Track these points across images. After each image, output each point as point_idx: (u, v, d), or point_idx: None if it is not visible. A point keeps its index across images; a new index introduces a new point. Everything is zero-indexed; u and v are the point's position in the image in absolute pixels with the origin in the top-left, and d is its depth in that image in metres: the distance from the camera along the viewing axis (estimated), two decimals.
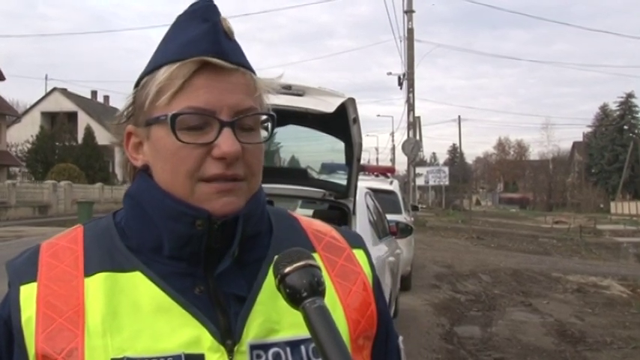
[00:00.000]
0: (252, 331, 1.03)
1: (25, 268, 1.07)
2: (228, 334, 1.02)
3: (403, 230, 8.40)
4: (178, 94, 1.02)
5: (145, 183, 1.08)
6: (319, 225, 1.21)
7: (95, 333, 1.00)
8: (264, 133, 1.10)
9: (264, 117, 1.09)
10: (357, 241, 1.20)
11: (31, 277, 1.05)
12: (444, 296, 12.20)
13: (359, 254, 1.18)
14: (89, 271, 1.05)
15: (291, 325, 1.03)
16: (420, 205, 36.74)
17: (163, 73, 1.03)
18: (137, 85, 1.09)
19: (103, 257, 1.06)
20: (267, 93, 1.11)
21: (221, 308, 1.04)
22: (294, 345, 1.03)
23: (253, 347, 1.02)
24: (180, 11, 1.10)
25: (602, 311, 11.14)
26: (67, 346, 0.99)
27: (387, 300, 6.62)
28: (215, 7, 1.07)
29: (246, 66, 1.08)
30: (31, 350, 1.00)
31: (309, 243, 1.14)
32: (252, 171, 1.06)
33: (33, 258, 1.08)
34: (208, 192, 1.03)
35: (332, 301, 1.06)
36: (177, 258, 1.06)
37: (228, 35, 1.06)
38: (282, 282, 0.95)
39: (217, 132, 1.02)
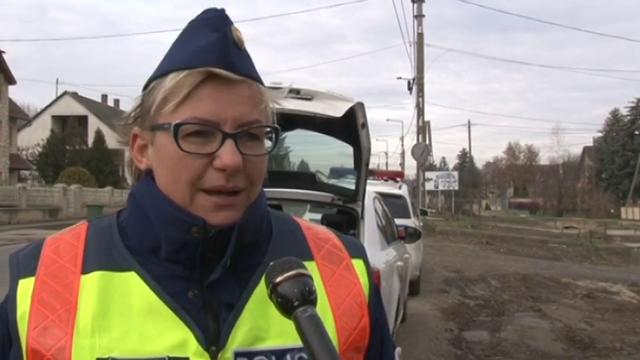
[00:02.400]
0: (238, 339, 1.03)
1: (27, 262, 1.09)
2: (214, 339, 1.03)
3: (412, 235, 8.39)
4: (183, 103, 1.03)
5: (147, 186, 1.10)
6: (322, 232, 1.21)
7: (84, 332, 1.01)
8: (268, 143, 1.10)
9: (268, 128, 1.09)
10: (357, 251, 1.20)
11: (30, 272, 1.07)
12: (452, 301, 12.17)
13: (357, 264, 1.17)
14: (86, 269, 1.07)
15: (279, 334, 1.04)
16: (429, 210, 36.67)
17: (170, 81, 1.04)
18: (145, 87, 1.10)
19: (101, 255, 1.08)
20: (275, 103, 1.12)
21: (212, 313, 1.05)
22: (279, 354, 1.04)
23: (238, 354, 1.03)
24: (190, 16, 1.10)
25: (611, 317, 11.09)
26: (56, 344, 1.01)
27: (396, 305, 6.64)
28: (226, 17, 1.08)
29: (253, 76, 1.08)
30: (24, 345, 1.03)
31: (307, 250, 1.15)
32: (253, 182, 1.07)
33: (35, 252, 1.10)
34: (207, 205, 1.04)
35: (323, 310, 1.06)
36: (174, 261, 1.07)
37: (237, 45, 1.07)
38: (273, 291, 0.95)
39: (220, 143, 1.03)
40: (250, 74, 1.07)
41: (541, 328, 9.99)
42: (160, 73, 1.07)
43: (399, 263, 7.17)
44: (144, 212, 1.09)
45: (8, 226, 29.67)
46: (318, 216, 6.48)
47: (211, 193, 1.04)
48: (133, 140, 1.13)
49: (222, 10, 1.09)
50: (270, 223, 1.16)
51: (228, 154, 1.02)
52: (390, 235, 7.26)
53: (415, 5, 30.52)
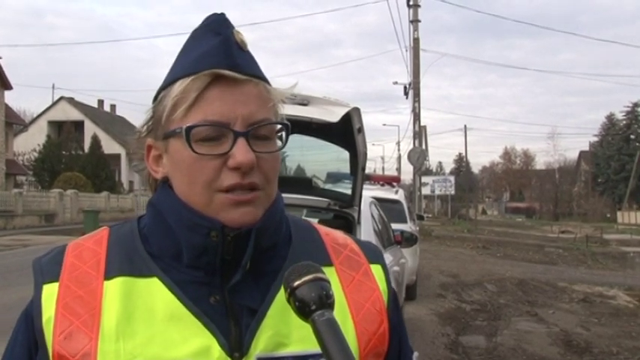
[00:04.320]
0: (261, 344, 1.04)
1: (50, 268, 1.10)
2: (237, 345, 1.04)
3: (408, 239, 8.40)
4: (193, 107, 1.05)
5: (165, 193, 1.11)
6: (340, 238, 1.22)
7: (109, 337, 1.03)
8: (279, 143, 1.12)
9: (278, 126, 1.10)
10: (375, 257, 1.21)
11: (54, 277, 1.09)
12: (449, 306, 12.16)
13: (376, 270, 1.18)
14: (109, 274, 1.08)
15: (300, 340, 1.05)
16: (425, 215, 36.66)
17: (178, 87, 1.06)
18: (155, 99, 1.12)
19: (123, 261, 1.09)
20: (282, 102, 1.13)
21: (234, 319, 1.06)
22: None
23: None
24: (186, 21, 1.15)
25: (608, 321, 11.09)
26: (82, 349, 1.02)
27: None
28: (227, 20, 1.10)
29: (259, 76, 1.09)
30: (50, 350, 1.04)
31: (327, 256, 1.16)
32: (268, 179, 1.08)
33: (58, 257, 1.12)
34: (225, 203, 1.05)
35: (343, 316, 1.08)
36: (196, 267, 1.08)
37: (240, 47, 1.09)
38: (291, 295, 0.96)
39: (232, 143, 1.04)
40: (256, 74, 1.09)
41: (537, 332, 9.99)
42: (168, 83, 1.09)
43: (396, 268, 7.16)
44: (164, 220, 1.10)
45: (4, 232, 29.59)
46: (315, 221, 6.45)
47: (229, 192, 1.04)
48: (147, 152, 1.14)
49: (223, 14, 1.11)
50: (289, 228, 1.17)
51: (241, 152, 1.03)
52: (387, 239, 7.27)
53: (411, 10, 30.55)
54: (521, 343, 9.11)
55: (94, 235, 1.16)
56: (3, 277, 12.87)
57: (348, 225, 5.55)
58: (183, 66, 1.08)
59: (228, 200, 1.04)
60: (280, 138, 1.11)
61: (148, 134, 1.14)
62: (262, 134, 1.07)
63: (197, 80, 1.05)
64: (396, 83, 39.16)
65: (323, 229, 1.23)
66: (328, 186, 6.20)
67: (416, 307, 11.41)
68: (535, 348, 8.88)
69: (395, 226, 8.88)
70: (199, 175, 1.04)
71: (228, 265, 1.07)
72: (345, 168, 5.41)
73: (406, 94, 33.75)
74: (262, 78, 1.10)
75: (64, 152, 51.03)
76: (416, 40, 30.65)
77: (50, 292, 1.07)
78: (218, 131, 1.04)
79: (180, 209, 1.07)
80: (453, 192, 55.63)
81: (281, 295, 1.04)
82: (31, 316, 1.08)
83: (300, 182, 5.92)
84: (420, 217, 21.83)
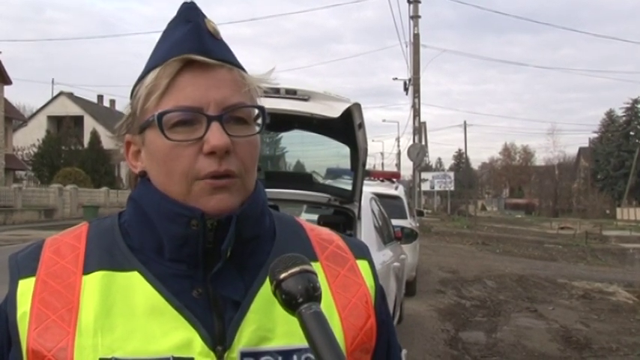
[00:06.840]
0: (244, 338, 1.02)
1: (26, 263, 1.08)
2: (220, 339, 1.02)
3: (408, 235, 8.39)
4: (166, 95, 1.04)
5: (144, 187, 1.10)
6: (325, 233, 1.20)
7: (86, 332, 1.00)
8: (257, 129, 1.10)
9: (256, 112, 1.09)
10: (361, 252, 1.19)
11: (31, 272, 1.06)
12: (448, 302, 12.18)
13: (362, 265, 1.16)
14: (88, 269, 1.05)
15: (285, 334, 1.03)
16: (425, 211, 36.68)
17: (150, 77, 1.05)
18: (132, 94, 1.11)
19: (103, 255, 1.07)
20: (258, 88, 1.11)
21: (217, 312, 1.04)
22: (286, 354, 1.03)
23: (244, 354, 1.02)
24: None
25: (607, 317, 11.11)
26: (57, 345, 1.00)
27: (392, 305, 6.64)
28: (196, 8, 1.09)
29: (232, 62, 1.08)
30: (24, 346, 1.01)
31: (312, 251, 1.14)
32: (246, 166, 1.06)
33: (35, 253, 1.09)
34: (203, 188, 1.03)
35: (329, 312, 1.06)
36: (178, 260, 1.06)
37: (212, 35, 1.07)
38: (277, 288, 0.94)
39: (206, 127, 1.02)
40: (229, 59, 1.07)
41: (537, 328, 10.00)
42: (142, 75, 1.08)
43: (396, 264, 7.17)
44: (144, 213, 1.08)
45: (4, 227, 29.60)
46: (315, 216, 6.46)
47: (206, 179, 1.03)
48: (126, 148, 1.13)
49: (193, 2, 1.10)
50: (274, 223, 1.16)
51: (215, 136, 1.01)
52: (387, 235, 7.26)
53: (411, 6, 30.54)
54: (521, 339, 9.12)
55: (73, 231, 1.13)
56: (2, 272, 12.88)
57: (349, 221, 5.54)
58: (156, 57, 1.07)
59: (204, 185, 1.03)
60: (258, 124, 1.09)
61: (127, 131, 1.12)
62: (238, 119, 1.05)
63: (168, 67, 1.03)
64: (395, 79, 39.41)
65: (308, 225, 1.21)
66: (328, 181, 6.18)
67: (415, 303, 11.42)
68: (535, 344, 8.89)
69: (395, 222, 8.87)
70: (176, 165, 1.03)
71: (210, 257, 1.05)
72: (346, 164, 5.39)
73: (406, 90, 33.76)
74: (236, 64, 1.08)
75: (63, 147, 51.01)
76: (416, 36, 30.64)
77: (26, 287, 1.04)
78: (191, 117, 1.02)
79: (159, 201, 1.06)
80: (452, 188, 55.75)
81: (265, 289, 1.03)
82: (5, 312, 1.05)
83: (301, 178, 5.91)
84: (420, 213, 21.84)
